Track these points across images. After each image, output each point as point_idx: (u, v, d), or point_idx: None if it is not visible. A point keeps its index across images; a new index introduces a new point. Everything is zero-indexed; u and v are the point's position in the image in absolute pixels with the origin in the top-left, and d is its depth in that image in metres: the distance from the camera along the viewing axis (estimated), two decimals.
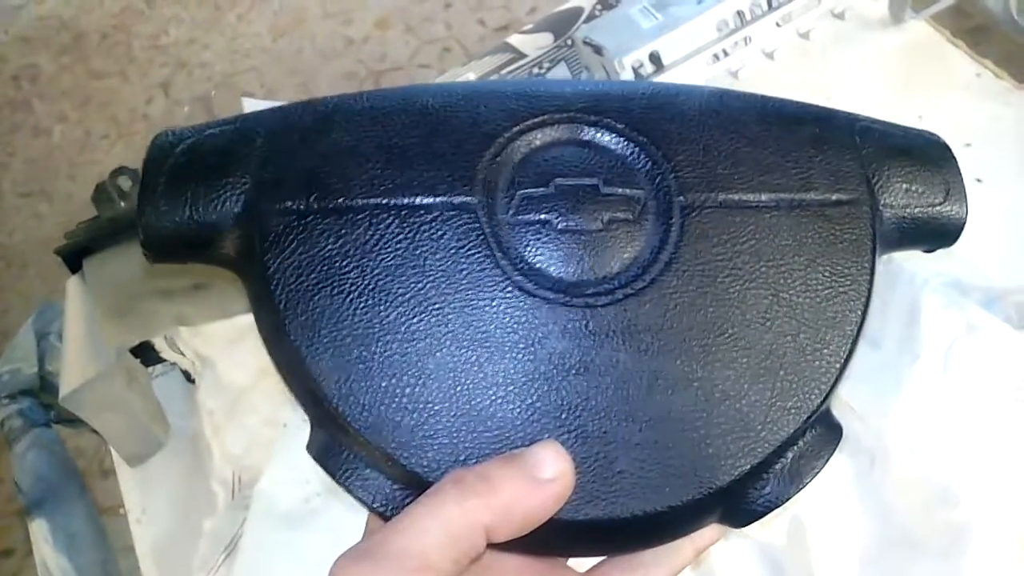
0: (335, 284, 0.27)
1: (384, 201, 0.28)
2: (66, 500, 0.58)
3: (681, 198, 0.29)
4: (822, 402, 0.27)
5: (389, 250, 0.27)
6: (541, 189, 0.28)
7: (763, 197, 0.29)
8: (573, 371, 0.26)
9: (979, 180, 0.55)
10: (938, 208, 0.31)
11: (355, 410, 0.26)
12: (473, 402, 0.26)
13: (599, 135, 0.30)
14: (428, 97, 0.30)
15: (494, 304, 0.27)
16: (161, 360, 0.59)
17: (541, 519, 0.24)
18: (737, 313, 0.27)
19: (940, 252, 0.50)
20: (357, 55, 1.69)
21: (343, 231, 0.27)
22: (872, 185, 0.30)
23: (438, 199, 0.28)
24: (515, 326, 0.26)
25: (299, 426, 0.53)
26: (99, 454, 1.17)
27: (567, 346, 0.26)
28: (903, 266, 0.48)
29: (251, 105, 0.58)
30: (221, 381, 0.56)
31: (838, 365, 0.27)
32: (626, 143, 0.30)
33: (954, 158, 0.32)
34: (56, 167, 1.71)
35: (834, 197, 0.30)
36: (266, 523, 0.51)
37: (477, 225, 0.28)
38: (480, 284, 0.27)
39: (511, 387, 0.26)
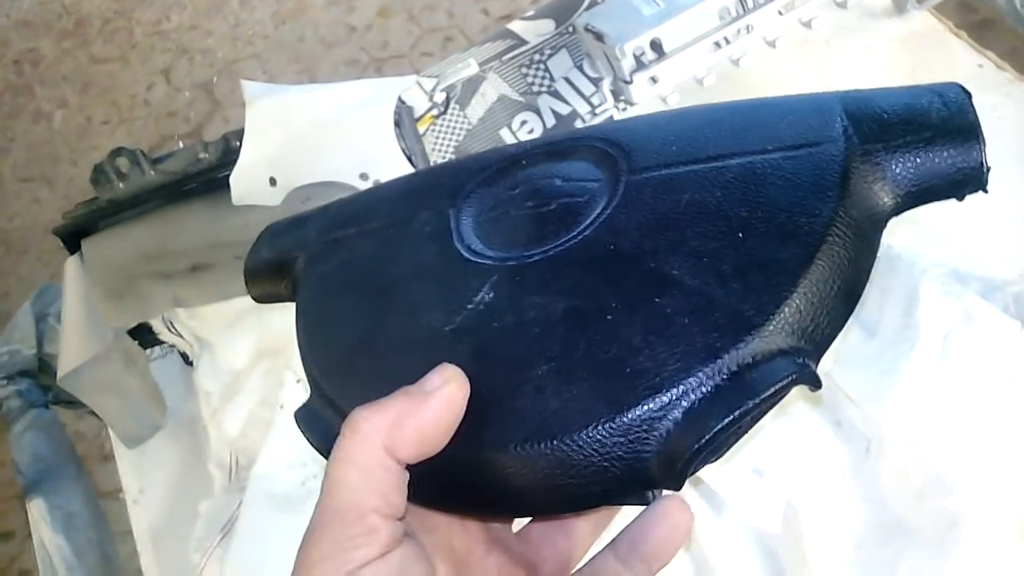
0: (333, 279, 0.34)
1: (391, 220, 0.34)
2: (64, 481, 0.58)
3: (630, 176, 0.30)
4: (749, 344, 0.24)
5: (378, 252, 0.33)
6: (510, 192, 0.33)
7: (713, 164, 0.29)
8: (497, 319, 0.28)
9: None
10: (936, 142, 0.27)
11: (317, 364, 0.31)
12: (408, 353, 0.29)
13: (569, 150, 0.33)
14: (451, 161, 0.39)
15: (445, 275, 0.30)
16: (159, 342, 0.59)
17: (437, 430, 0.24)
18: (664, 259, 0.27)
19: (939, 241, 0.51)
20: (359, 43, 1.68)
21: (355, 245, 0.34)
22: (849, 131, 0.28)
23: (427, 212, 0.33)
24: (458, 288, 0.29)
25: (295, 408, 0.53)
26: (99, 438, 1.17)
27: (496, 297, 0.28)
28: (902, 254, 0.48)
29: (250, 88, 0.58)
30: (218, 363, 0.56)
31: (775, 304, 0.24)
32: (590, 150, 0.33)
33: (962, 92, 0.28)
34: (57, 152, 1.71)
35: (795, 152, 0.28)
36: (262, 505, 0.51)
37: (447, 224, 0.32)
38: (438, 262, 0.31)
39: (444, 339, 0.28)
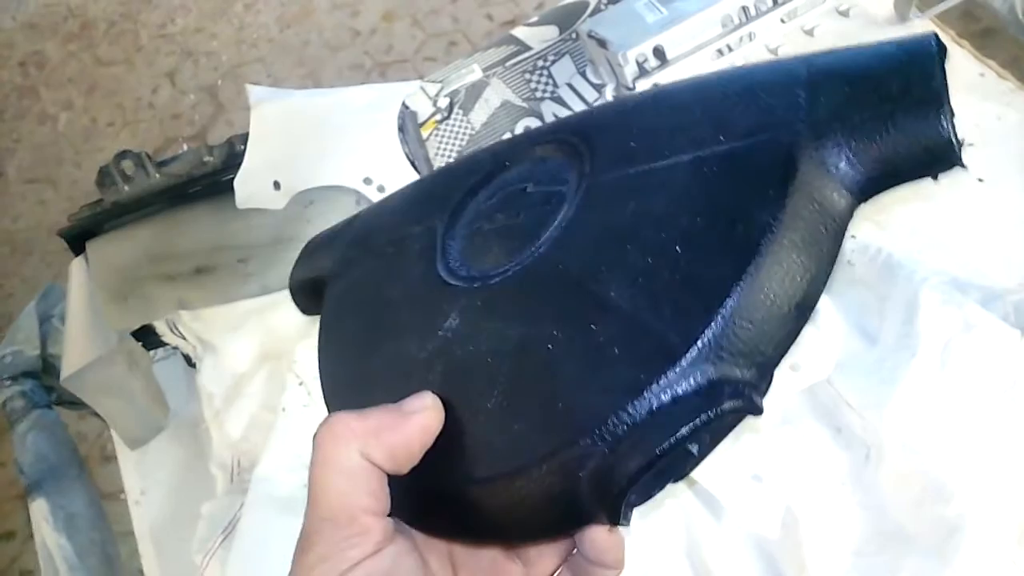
0: (345, 300, 0.35)
1: (390, 238, 0.35)
2: (66, 481, 0.58)
3: (591, 179, 0.30)
4: (671, 377, 0.22)
5: (378, 273, 0.34)
6: (488, 202, 0.33)
7: (666, 162, 0.27)
8: (460, 346, 0.28)
9: (980, 180, 0.55)
10: (896, 117, 0.24)
11: (329, 386, 0.33)
12: (393, 380, 0.30)
13: (547, 148, 0.33)
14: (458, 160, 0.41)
15: (425, 299, 0.31)
16: (163, 344, 0.59)
17: (410, 448, 0.25)
18: (605, 280, 0.25)
19: (939, 249, 0.51)
20: (364, 47, 1.69)
21: (364, 264, 0.35)
22: (803, 112, 0.25)
23: (420, 227, 0.34)
24: (432, 313, 0.30)
25: (297, 411, 0.53)
26: (101, 439, 1.18)
27: (461, 323, 0.29)
28: (902, 263, 0.48)
29: (255, 92, 0.59)
30: (221, 366, 0.56)
31: (699, 330, 0.22)
32: (563, 146, 0.32)
33: (931, 48, 0.24)
34: (61, 154, 1.72)
35: (745, 142, 0.25)
36: (264, 507, 0.51)
37: (434, 241, 0.33)
38: (421, 285, 0.32)
39: (419, 366, 0.29)
